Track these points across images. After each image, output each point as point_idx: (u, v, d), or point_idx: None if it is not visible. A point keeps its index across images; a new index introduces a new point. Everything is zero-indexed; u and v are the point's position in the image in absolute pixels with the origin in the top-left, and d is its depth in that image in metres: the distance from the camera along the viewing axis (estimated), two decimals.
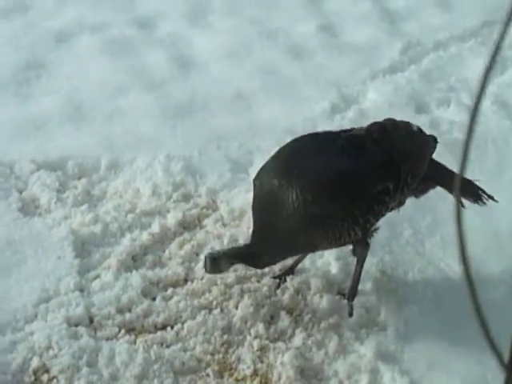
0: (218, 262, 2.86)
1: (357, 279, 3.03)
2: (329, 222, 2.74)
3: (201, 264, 3.14)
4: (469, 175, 3.06)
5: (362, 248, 2.95)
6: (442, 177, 3.05)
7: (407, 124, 3.00)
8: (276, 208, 2.73)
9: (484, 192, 3.11)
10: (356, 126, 3.06)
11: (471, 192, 3.09)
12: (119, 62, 4.64)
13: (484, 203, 3.11)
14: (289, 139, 3.66)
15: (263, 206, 2.80)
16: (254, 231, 2.87)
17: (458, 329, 2.97)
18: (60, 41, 4.85)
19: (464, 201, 3.03)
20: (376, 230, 2.94)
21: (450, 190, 3.03)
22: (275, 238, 2.78)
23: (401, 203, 2.98)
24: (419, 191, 3.06)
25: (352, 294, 3.04)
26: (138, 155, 3.79)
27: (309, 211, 2.68)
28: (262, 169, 2.88)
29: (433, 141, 3.06)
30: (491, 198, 3.12)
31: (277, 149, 2.99)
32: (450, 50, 4.78)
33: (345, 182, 2.76)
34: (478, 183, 3.10)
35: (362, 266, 3.01)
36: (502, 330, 2.98)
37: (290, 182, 2.70)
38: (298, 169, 2.74)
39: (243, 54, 4.71)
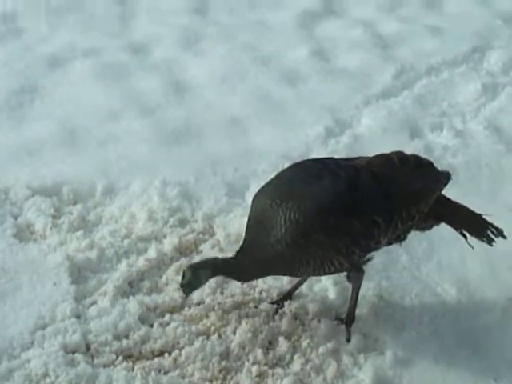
0: (198, 273, 2.83)
1: (353, 305, 3.03)
2: (311, 249, 2.74)
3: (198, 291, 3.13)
4: (463, 199, 3.08)
5: (355, 274, 2.95)
6: (449, 215, 3.02)
7: (417, 158, 2.96)
8: (265, 229, 2.74)
9: (494, 227, 3.07)
10: (351, 151, 3.06)
11: (478, 230, 3.05)
12: (113, 87, 4.66)
13: (491, 240, 3.06)
14: (284, 163, 3.71)
15: (255, 224, 2.81)
16: (242, 246, 2.87)
17: (455, 353, 2.99)
18: (53, 65, 4.87)
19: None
20: (369, 259, 2.93)
21: (458, 229, 3.04)
22: (261, 255, 2.78)
23: (400, 238, 2.95)
24: (424, 227, 3.03)
25: (349, 319, 3.04)
26: (134, 180, 3.79)
27: (293, 236, 2.70)
28: (261, 189, 2.90)
29: (444, 178, 2.99)
30: (501, 234, 3.07)
31: (273, 173, 3.01)
32: (442, 75, 4.83)
33: (330, 212, 2.73)
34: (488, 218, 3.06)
35: (357, 292, 3.02)
36: (496, 350, 3.00)
37: (279, 206, 2.72)
38: (289, 194, 2.75)
39: (237, 80, 4.74)
